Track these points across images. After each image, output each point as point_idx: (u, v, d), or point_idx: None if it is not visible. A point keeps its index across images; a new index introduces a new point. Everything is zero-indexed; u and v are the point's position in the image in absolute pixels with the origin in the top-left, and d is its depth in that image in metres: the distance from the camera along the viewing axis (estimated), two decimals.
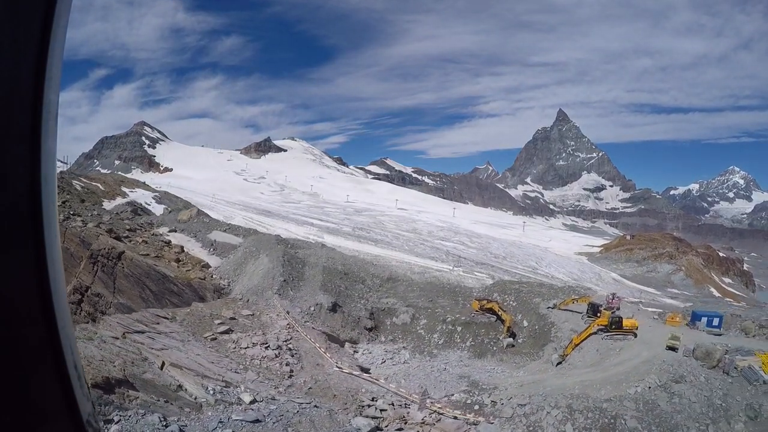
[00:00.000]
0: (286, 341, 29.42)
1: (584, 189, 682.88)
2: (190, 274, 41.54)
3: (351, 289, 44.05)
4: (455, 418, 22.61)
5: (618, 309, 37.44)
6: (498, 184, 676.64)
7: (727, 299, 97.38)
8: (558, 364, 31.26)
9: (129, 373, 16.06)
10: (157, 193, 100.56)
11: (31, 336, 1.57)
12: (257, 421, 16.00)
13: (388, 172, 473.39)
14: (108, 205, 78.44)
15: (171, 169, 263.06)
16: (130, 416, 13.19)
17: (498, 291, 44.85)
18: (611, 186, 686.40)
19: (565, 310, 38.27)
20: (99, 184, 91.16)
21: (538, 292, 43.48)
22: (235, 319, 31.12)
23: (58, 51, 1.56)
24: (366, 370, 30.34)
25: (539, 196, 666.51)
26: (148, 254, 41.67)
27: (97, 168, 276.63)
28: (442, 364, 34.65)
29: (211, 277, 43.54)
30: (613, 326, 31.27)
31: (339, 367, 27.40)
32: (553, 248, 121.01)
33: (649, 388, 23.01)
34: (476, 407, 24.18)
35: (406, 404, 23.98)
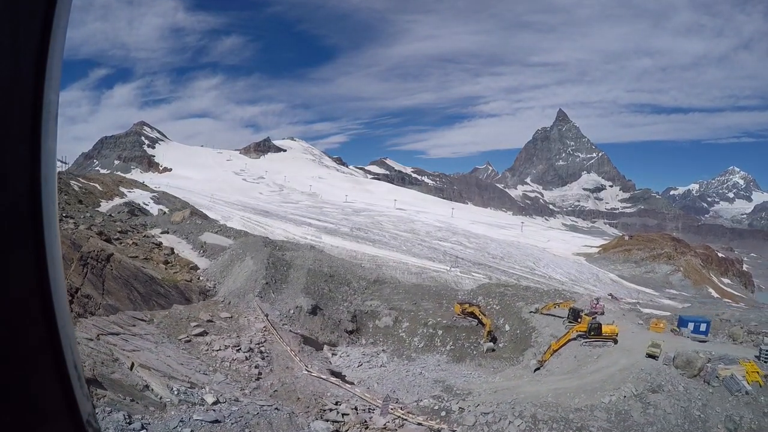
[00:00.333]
0: (258, 344, 29.47)
1: (584, 189, 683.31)
2: (177, 276, 41.68)
3: (335, 292, 43.86)
4: (419, 424, 22.35)
5: (602, 313, 36.95)
6: (498, 184, 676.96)
7: (726, 300, 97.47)
8: (536, 370, 30.91)
9: (98, 372, 16.66)
10: (155, 194, 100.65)
11: (31, 336, 1.57)
12: (216, 421, 16.52)
13: (387, 172, 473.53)
14: (106, 205, 78.47)
15: (170, 169, 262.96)
16: (96, 413, 13.42)
17: (483, 294, 44.54)
18: (611, 186, 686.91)
19: (547, 314, 37.75)
20: (97, 185, 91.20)
21: (523, 296, 43.02)
22: (212, 321, 31.30)
23: (58, 51, 1.56)
24: (339, 374, 30.21)
25: (539, 196, 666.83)
26: (137, 256, 41.82)
27: (97, 168, 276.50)
28: (418, 368, 34.33)
29: (198, 279, 43.70)
30: (592, 332, 30.78)
31: (308, 371, 27.32)
32: (552, 249, 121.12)
33: (624, 397, 22.43)
34: (443, 413, 23.80)
35: (370, 409, 23.76)
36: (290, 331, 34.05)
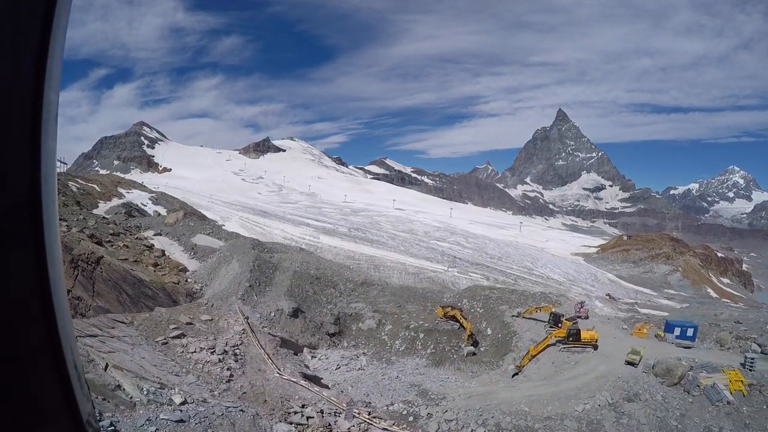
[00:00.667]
0: (234, 346, 29.59)
1: (584, 189, 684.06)
2: (165, 278, 41.97)
3: (320, 294, 43.63)
4: (384, 429, 22.25)
5: (586, 318, 36.52)
6: (498, 184, 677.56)
7: (725, 300, 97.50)
8: (514, 375, 30.60)
9: None
10: (153, 194, 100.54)
11: (31, 336, 1.57)
12: (181, 421, 16.96)
13: (387, 172, 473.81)
14: (104, 206, 78.39)
15: (170, 169, 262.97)
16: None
17: (468, 297, 44.12)
18: (611, 186, 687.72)
19: (529, 318, 37.24)
20: (95, 185, 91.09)
21: (508, 299, 42.41)
22: (192, 324, 31.47)
23: (58, 51, 1.56)
24: (314, 377, 30.11)
25: (539, 195, 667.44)
26: (126, 259, 42.16)
27: (96, 168, 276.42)
28: (396, 372, 34.09)
29: (186, 281, 43.89)
30: (571, 338, 30.31)
31: (279, 373, 27.32)
32: (550, 249, 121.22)
33: (598, 406, 21.77)
34: (410, 419, 23.58)
35: (336, 413, 23.68)
36: (269, 333, 34.00)
